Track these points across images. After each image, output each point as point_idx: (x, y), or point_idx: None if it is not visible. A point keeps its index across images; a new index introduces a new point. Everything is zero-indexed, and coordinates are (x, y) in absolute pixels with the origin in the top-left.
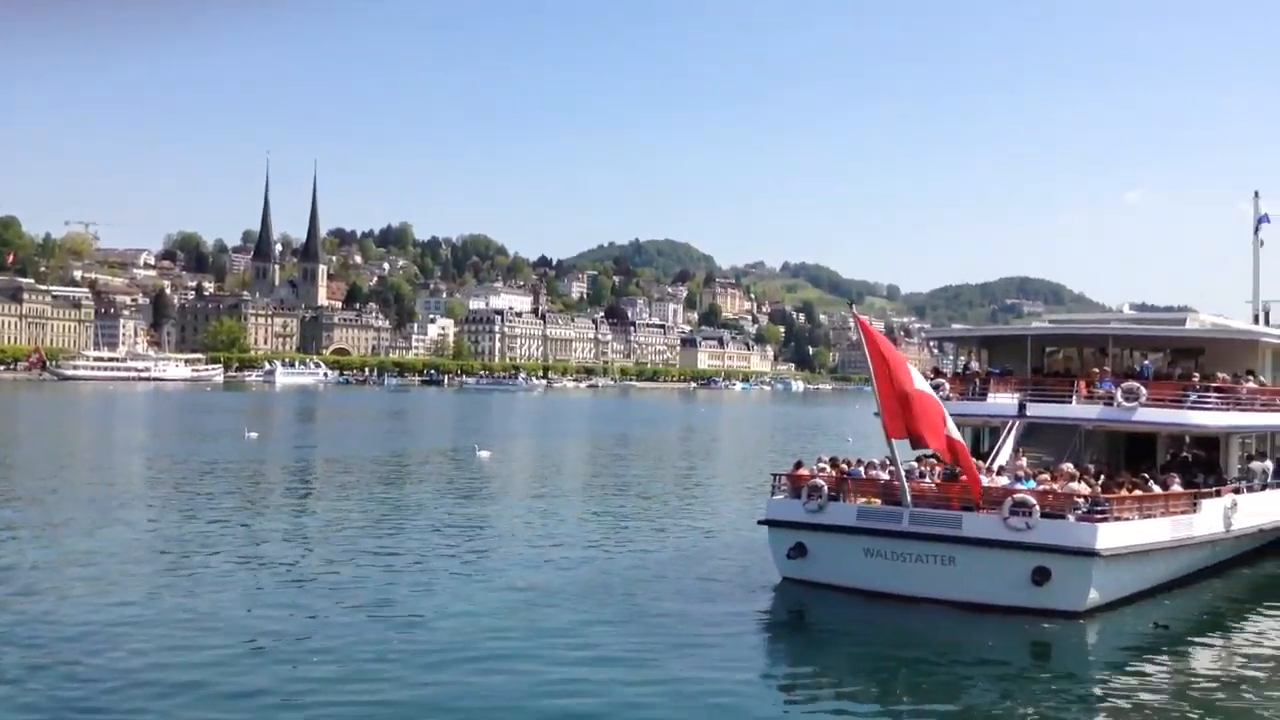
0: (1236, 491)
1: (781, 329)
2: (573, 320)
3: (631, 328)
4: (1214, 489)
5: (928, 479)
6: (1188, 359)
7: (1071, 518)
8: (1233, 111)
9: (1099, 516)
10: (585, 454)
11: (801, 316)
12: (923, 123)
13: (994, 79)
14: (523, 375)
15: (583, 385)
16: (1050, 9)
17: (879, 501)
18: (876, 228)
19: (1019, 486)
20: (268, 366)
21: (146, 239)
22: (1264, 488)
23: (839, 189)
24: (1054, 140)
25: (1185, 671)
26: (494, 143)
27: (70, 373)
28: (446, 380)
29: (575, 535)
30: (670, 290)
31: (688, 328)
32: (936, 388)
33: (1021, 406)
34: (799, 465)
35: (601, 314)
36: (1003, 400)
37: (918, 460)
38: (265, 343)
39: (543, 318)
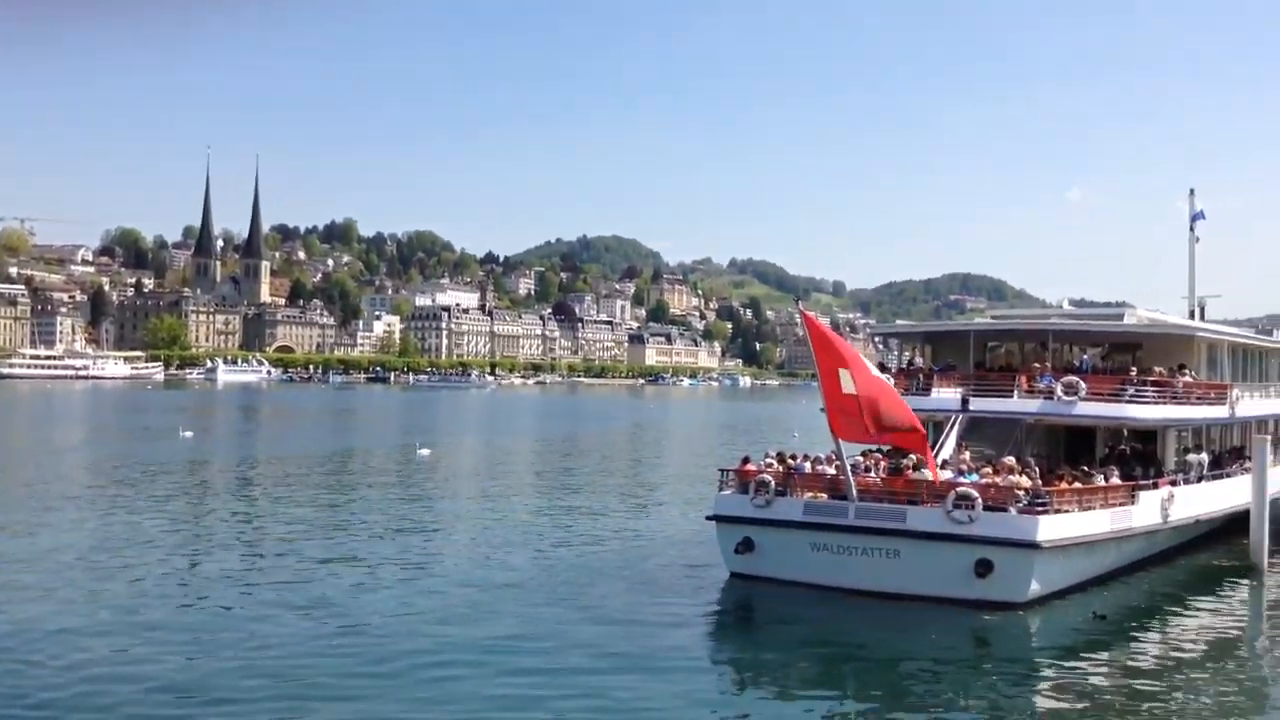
0: (1173, 484)
1: (729, 325)
2: (520, 317)
3: (579, 324)
4: (1151, 481)
5: (873, 473)
6: (1125, 353)
7: (1013, 510)
8: (1169, 110)
9: (1040, 509)
10: (532, 452)
11: (749, 313)
12: (869, 120)
13: (939, 77)
14: (475, 373)
15: (530, 382)
16: (987, 7)
17: (825, 496)
18: (823, 224)
19: (962, 480)
20: (209, 364)
21: (84, 235)
22: (1200, 480)
23: (786, 186)
24: (997, 138)
25: (1123, 660)
26: (439, 138)
27: (6, 371)
28: (393, 378)
29: (520, 533)
30: (618, 287)
31: (635, 324)
32: None
33: (964, 401)
34: (746, 461)
35: (549, 311)
36: (946, 395)
37: (863, 454)
38: (207, 340)
39: (490, 315)
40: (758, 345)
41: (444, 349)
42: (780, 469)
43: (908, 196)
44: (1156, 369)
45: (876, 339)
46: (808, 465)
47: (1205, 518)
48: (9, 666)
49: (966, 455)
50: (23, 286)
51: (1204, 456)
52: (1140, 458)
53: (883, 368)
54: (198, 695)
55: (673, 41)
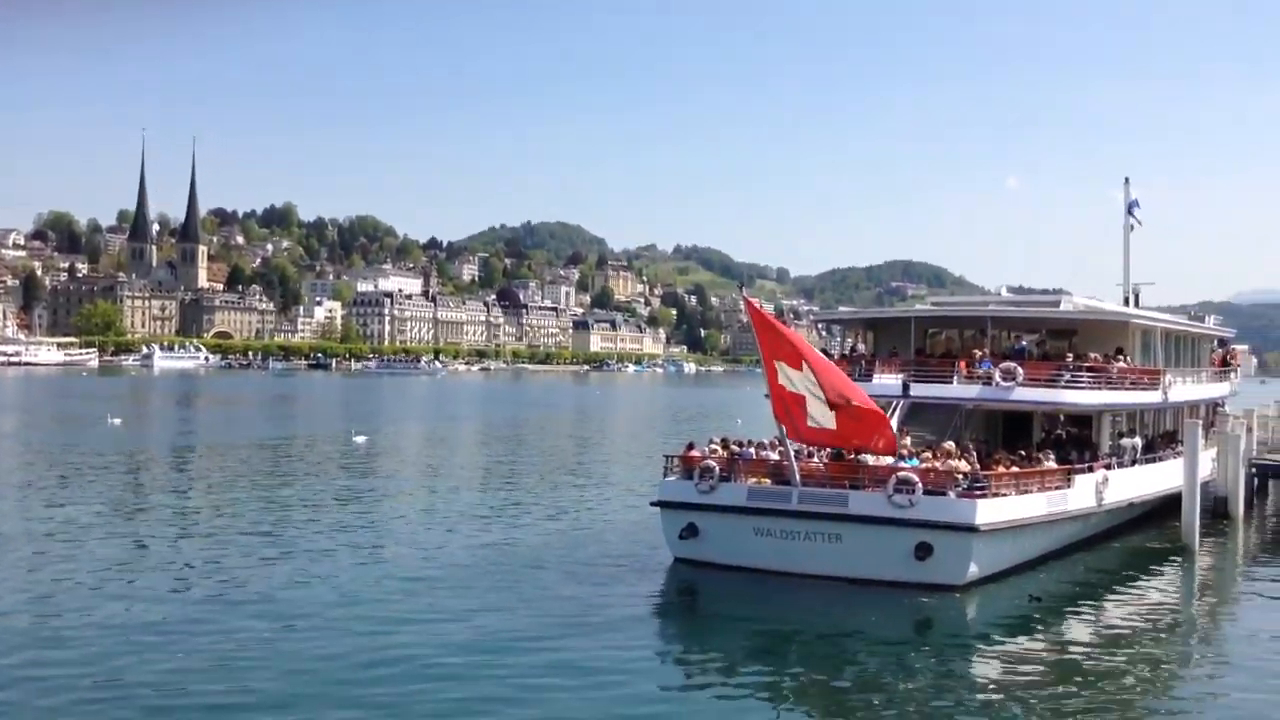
0: (1108, 467)
1: (674, 311)
2: (464, 303)
3: (524, 310)
4: (1087, 465)
5: (816, 458)
6: (1061, 339)
7: (952, 494)
8: (1104, 101)
9: (978, 493)
10: (474, 438)
11: (693, 299)
12: (813, 107)
13: (881, 66)
14: (425, 359)
15: (474, 368)
16: None
17: (769, 481)
18: (767, 212)
19: (902, 465)
20: (145, 350)
21: (15, 218)
22: (1134, 463)
23: (731, 173)
24: (937, 127)
25: (1058, 642)
26: (381, 121)
27: None
28: (334, 364)
29: (462, 520)
30: (562, 273)
31: (580, 310)
32: None
33: (905, 387)
34: (691, 447)
35: (493, 296)
36: (888, 381)
37: None
38: (143, 326)
39: (433, 300)
40: (702, 332)
41: (386, 335)
42: (724, 455)
43: (850, 184)
44: (1092, 355)
45: (820, 325)
46: (752, 451)
47: (1139, 500)
48: None
49: (908, 440)
50: None
51: (1138, 440)
52: (1076, 442)
53: (826, 354)
54: (128, 691)
55: (618, 28)
